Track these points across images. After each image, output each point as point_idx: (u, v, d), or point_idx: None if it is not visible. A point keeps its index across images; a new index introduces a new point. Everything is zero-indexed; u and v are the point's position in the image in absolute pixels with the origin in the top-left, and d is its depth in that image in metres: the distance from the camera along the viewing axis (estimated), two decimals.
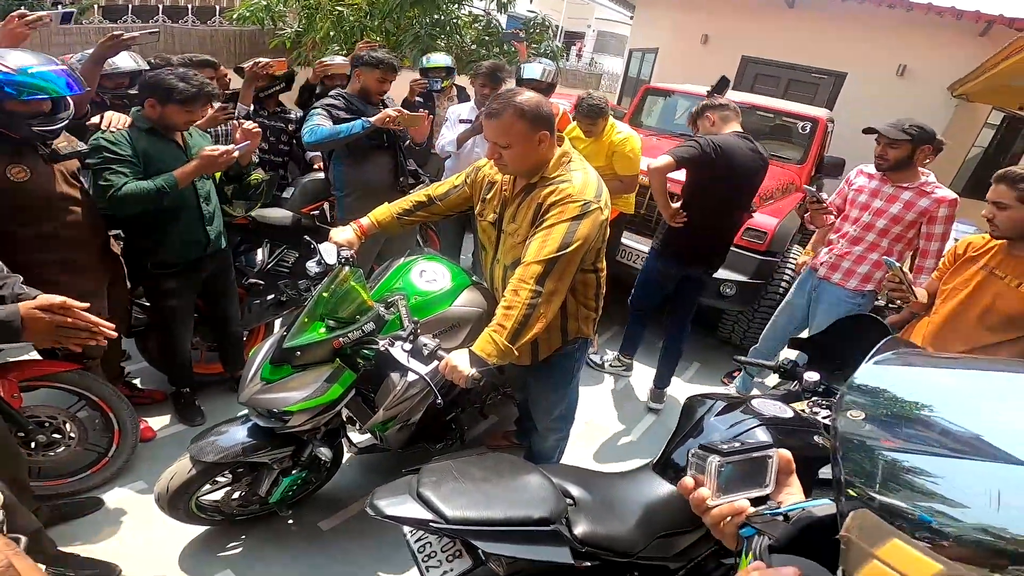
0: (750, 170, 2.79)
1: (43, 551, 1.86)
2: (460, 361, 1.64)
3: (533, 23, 10.04)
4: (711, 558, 1.51)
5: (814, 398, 1.81)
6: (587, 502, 1.46)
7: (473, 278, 2.28)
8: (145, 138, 2.26)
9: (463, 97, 4.38)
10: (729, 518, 0.68)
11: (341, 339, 1.86)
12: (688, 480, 0.71)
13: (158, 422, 2.77)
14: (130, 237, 2.41)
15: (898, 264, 2.22)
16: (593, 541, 1.37)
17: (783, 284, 3.78)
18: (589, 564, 1.38)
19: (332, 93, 3.08)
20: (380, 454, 2.47)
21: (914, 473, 0.48)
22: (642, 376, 3.77)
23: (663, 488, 1.55)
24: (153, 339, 2.83)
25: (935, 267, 2.69)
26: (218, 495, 2.14)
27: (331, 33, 7.67)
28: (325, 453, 2.01)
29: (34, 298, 1.43)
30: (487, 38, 8.80)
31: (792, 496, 0.70)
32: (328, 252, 1.98)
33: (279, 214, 3.11)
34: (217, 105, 2.80)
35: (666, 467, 1.63)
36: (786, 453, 0.71)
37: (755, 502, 0.69)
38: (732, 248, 3.68)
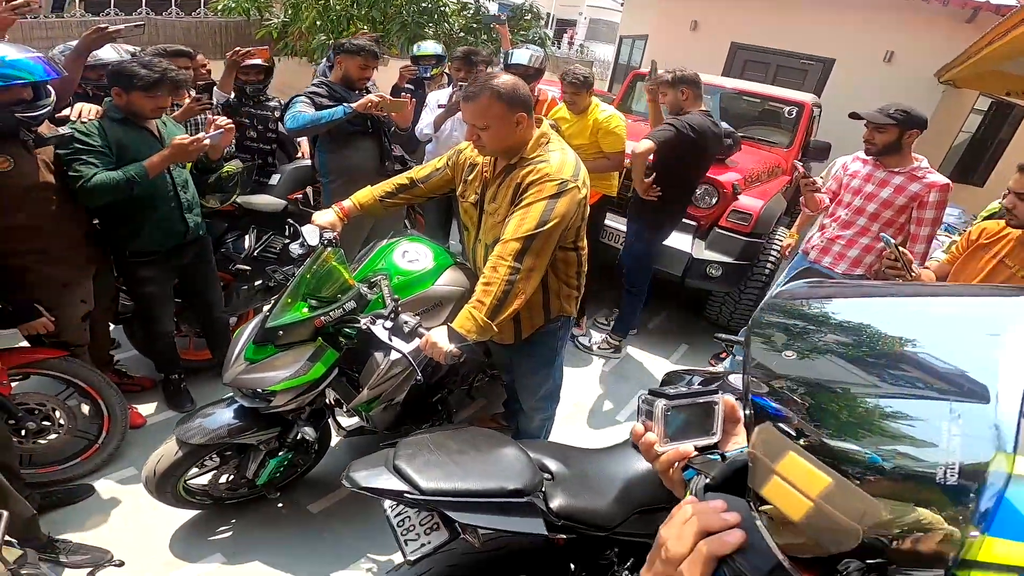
0: (712, 146, 3.18)
1: (37, 537, 1.89)
2: (440, 337, 1.66)
3: (521, 10, 9.99)
4: None
5: None
6: (564, 476, 1.47)
7: (457, 259, 2.30)
8: (119, 128, 2.25)
9: (453, 84, 4.39)
10: (676, 464, 0.69)
11: (323, 318, 1.87)
12: (638, 426, 0.72)
13: (147, 409, 2.79)
14: (106, 225, 2.41)
15: (894, 242, 2.22)
16: (569, 514, 1.37)
17: (768, 265, 3.83)
18: (565, 537, 1.39)
19: (315, 81, 3.08)
20: (368, 437, 2.49)
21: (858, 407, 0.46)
22: (633, 359, 3.81)
23: (642, 464, 1.54)
24: (138, 326, 2.84)
25: (925, 252, 2.70)
26: (206, 478, 2.16)
27: (317, 23, 7.61)
28: (310, 433, 2.03)
29: None
30: (475, 25, 8.76)
31: (738, 446, 0.70)
32: (310, 234, 2.00)
33: (266, 200, 3.12)
34: (192, 95, 2.80)
35: None
36: (731, 399, 0.71)
37: (705, 452, 0.69)
38: (717, 229, 3.75)
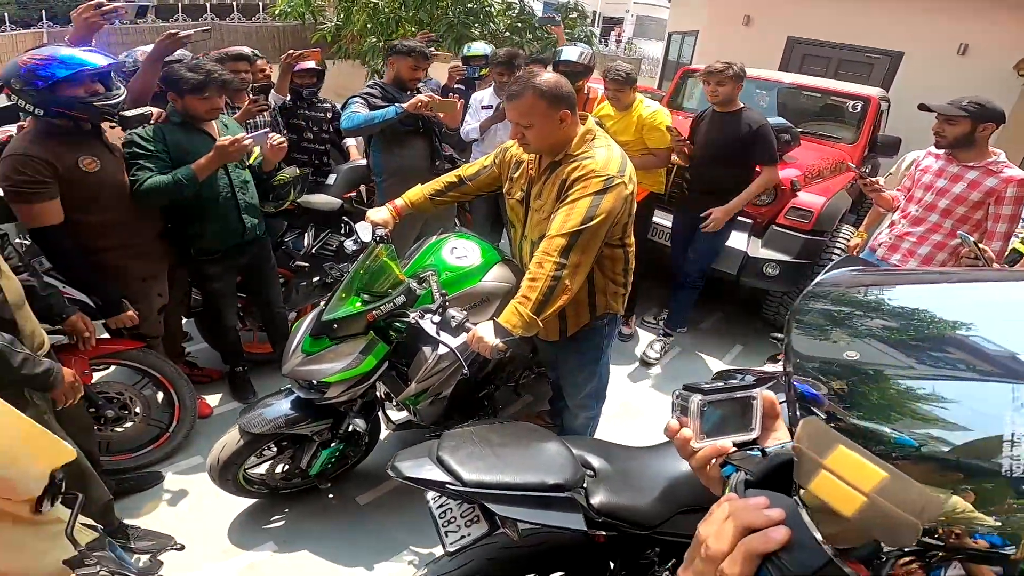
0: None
1: (111, 523, 1.99)
2: (485, 332, 1.67)
3: (567, 8, 9.94)
4: None
5: None
6: (607, 472, 1.45)
7: (504, 255, 2.32)
8: (179, 132, 2.35)
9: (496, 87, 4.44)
10: (713, 461, 0.66)
11: (374, 312, 1.93)
12: (673, 422, 0.69)
13: (214, 400, 2.93)
14: (175, 225, 2.52)
15: (972, 239, 2.08)
16: (610, 511, 1.35)
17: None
18: (605, 534, 1.36)
19: (368, 83, 3.17)
20: (416, 431, 2.54)
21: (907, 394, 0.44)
22: (684, 359, 3.72)
23: (687, 463, 1.53)
24: (206, 320, 2.99)
25: (1002, 250, 2.54)
26: (263, 468, 2.26)
27: (368, 25, 7.79)
28: (360, 425, 2.09)
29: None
30: (520, 25, 8.76)
31: (779, 441, 0.67)
32: (364, 231, 2.06)
33: (323, 200, 3.23)
34: (250, 97, 2.91)
35: None
36: (770, 395, 0.68)
37: (744, 448, 0.66)
38: (775, 227, 3.62)
